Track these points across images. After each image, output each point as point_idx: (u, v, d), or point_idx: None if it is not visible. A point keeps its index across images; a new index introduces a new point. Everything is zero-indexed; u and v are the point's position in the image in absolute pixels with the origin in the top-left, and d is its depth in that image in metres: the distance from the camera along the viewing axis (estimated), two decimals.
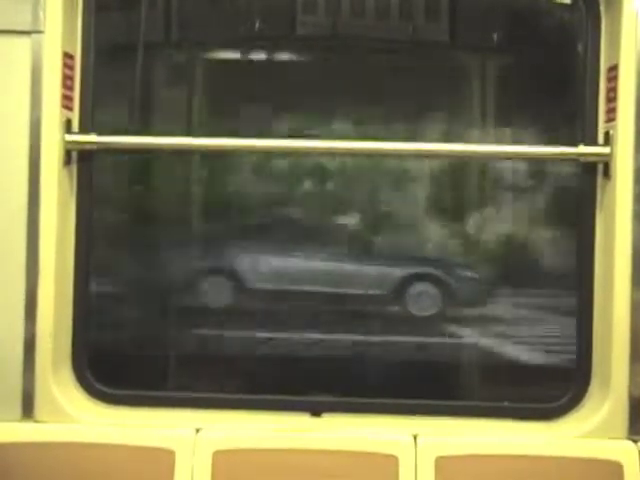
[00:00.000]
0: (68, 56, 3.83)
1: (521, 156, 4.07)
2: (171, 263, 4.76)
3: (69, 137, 3.85)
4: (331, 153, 4.21)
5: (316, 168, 4.70)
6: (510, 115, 4.44)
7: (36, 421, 3.80)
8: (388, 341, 4.78)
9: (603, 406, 3.79)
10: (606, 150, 3.80)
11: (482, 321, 5.03)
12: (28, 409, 3.79)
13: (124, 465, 3.73)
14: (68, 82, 3.84)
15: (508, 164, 4.67)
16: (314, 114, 4.45)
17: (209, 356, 4.42)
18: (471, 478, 3.70)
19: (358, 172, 4.67)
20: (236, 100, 4.47)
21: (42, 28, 3.74)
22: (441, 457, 3.71)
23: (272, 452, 3.75)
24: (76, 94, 3.89)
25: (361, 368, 4.38)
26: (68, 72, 3.83)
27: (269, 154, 4.39)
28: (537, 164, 4.43)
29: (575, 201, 3.93)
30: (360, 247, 5.08)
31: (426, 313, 5.20)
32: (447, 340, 4.92)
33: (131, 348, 4.45)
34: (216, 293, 4.90)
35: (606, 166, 3.82)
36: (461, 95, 4.49)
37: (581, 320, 3.92)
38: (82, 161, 3.92)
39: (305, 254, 5.15)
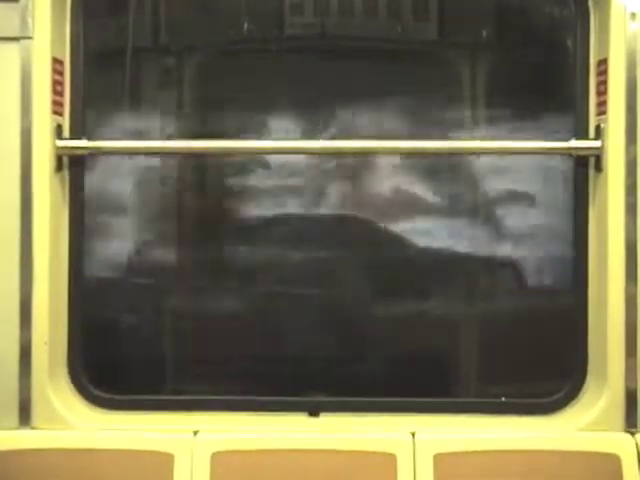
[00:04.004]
0: (57, 61, 3.83)
1: (513, 151, 4.07)
2: None
3: (60, 143, 3.85)
4: (324, 153, 4.22)
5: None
6: (501, 111, 4.44)
7: (33, 428, 3.80)
8: None
9: (600, 400, 3.80)
10: (597, 144, 3.81)
11: None
12: (25, 416, 3.78)
13: (123, 470, 3.73)
14: (58, 88, 3.84)
15: None
16: (304, 115, 4.44)
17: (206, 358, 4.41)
18: (470, 474, 3.71)
19: None
20: (226, 102, 4.46)
21: (31, 34, 3.74)
22: (439, 454, 3.72)
23: (270, 453, 3.76)
24: (66, 99, 3.89)
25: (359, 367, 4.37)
26: (58, 77, 3.83)
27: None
28: None
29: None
30: None
31: None
32: None
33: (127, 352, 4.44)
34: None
35: (598, 159, 3.84)
36: (451, 92, 4.49)
37: (576, 313, 3.93)
38: (74, 166, 3.92)
39: None
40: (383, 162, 4.43)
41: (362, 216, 4.50)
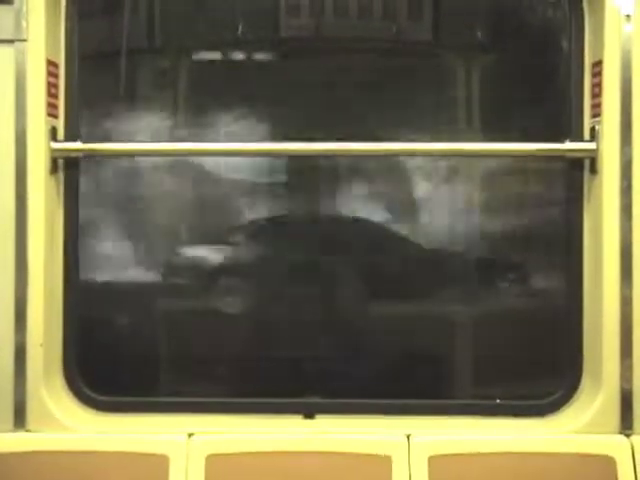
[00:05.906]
0: (52, 64, 3.83)
1: (507, 153, 4.07)
2: None
3: (55, 145, 3.85)
4: (320, 154, 4.22)
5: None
6: (496, 113, 4.44)
7: (28, 430, 3.80)
8: None
9: (595, 401, 3.80)
10: (592, 146, 3.82)
11: None
12: (20, 419, 3.78)
13: (118, 472, 3.73)
14: (52, 90, 3.84)
15: None
16: (299, 116, 4.44)
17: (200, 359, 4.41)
18: (464, 476, 3.71)
19: None
20: (222, 104, 4.46)
21: (25, 36, 3.74)
22: (434, 456, 3.72)
23: (265, 455, 3.75)
24: (61, 102, 3.89)
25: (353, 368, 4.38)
26: (52, 80, 3.83)
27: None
28: None
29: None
30: None
31: None
32: None
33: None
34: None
35: (592, 161, 3.84)
36: (446, 94, 4.49)
37: (571, 315, 3.93)
38: (68, 168, 3.92)
39: None
40: None
41: None
